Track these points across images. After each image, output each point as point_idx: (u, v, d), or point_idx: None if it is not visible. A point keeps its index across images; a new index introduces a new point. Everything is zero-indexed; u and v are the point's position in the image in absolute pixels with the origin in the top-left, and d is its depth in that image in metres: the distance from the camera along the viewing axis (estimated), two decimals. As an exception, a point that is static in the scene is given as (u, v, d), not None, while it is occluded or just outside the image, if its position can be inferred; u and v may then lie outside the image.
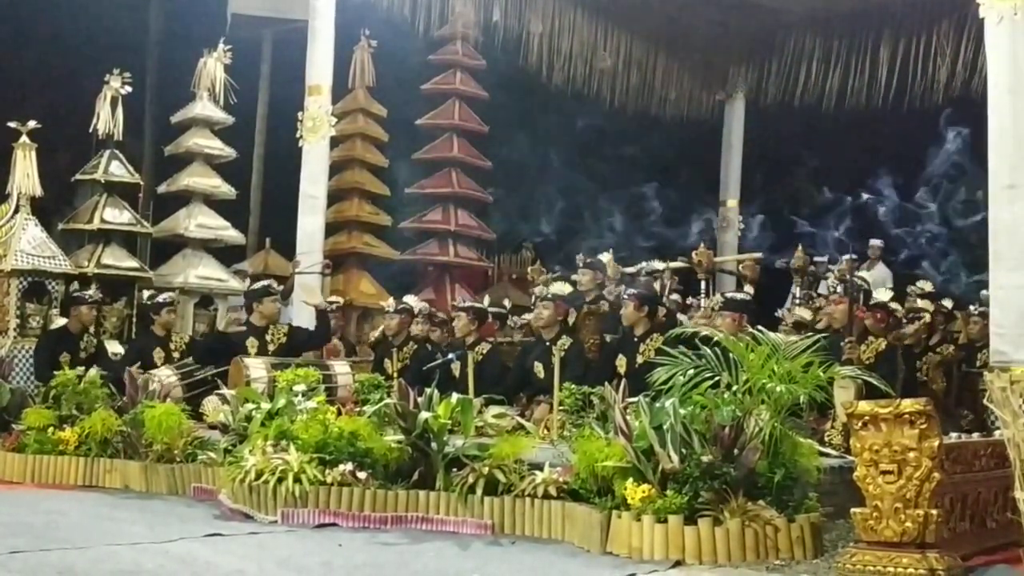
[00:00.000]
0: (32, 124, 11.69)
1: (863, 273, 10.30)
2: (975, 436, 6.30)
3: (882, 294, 9.04)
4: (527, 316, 11.15)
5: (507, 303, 12.56)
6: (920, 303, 10.71)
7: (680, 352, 6.28)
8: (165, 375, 9.45)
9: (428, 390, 7.15)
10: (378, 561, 5.67)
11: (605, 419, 6.66)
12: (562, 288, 9.93)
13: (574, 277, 10.53)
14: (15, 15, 17.57)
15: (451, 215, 16.05)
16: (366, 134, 15.51)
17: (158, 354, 10.19)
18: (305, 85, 12.24)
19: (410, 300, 11.31)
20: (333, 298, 11.95)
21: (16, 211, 11.56)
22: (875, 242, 13.16)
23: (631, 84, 15.63)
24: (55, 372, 9.20)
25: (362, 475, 6.71)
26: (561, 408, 8.09)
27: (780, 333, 7.98)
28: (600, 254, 11.34)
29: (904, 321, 9.89)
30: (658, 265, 11.86)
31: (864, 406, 5.28)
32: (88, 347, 10.47)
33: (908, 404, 5.14)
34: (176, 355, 10.23)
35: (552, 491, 6.25)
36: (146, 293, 11.24)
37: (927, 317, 10.28)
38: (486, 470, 6.47)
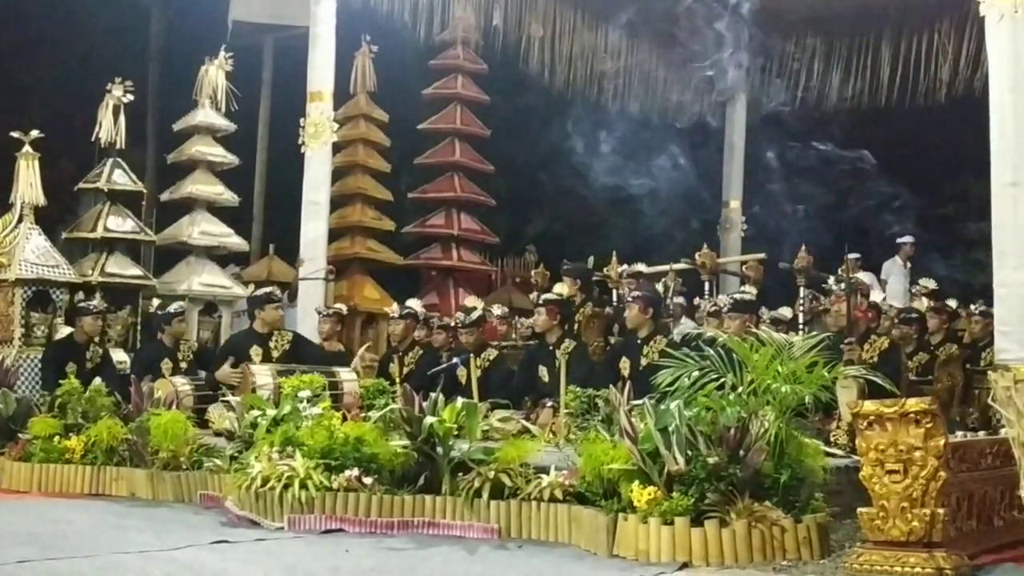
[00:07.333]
0: (35, 133, 11.71)
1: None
2: (981, 434, 6.30)
3: (877, 295, 9.05)
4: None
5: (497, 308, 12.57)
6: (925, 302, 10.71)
7: (684, 354, 6.28)
8: (180, 382, 9.51)
9: (433, 395, 7.16)
10: (385, 566, 5.68)
11: (610, 422, 6.66)
12: (558, 290, 9.98)
13: (557, 286, 10.56)
14: (17, 25, 17.62)
15: (454, 219, 16.07)
16: (368, 139, 15.52)
17: (166, 365, 10.21)
18: (307, 91, 12.28)
19: (414, 304, 11.37)
20: (338, 305, 11.94)
21: (20, 220, 11.57)
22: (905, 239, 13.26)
23: (632, 86, 15.64)
24: (61, 382, 9.22)
25: (368, 480, 6.71)
26: (566, 411, 8.09)
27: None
28: (588, 258, 11.41)
29: (896, 321, 9.91)
30: (642, 268, 11.93)
31: (869, 406, 5.27)
32: (94, 357, 10.48)
33: (913, 403, 5.14)
34: (184, 365, 10.25)
35: (558, 494, 6.25)
36: (155, 302, 11.23)
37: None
38: (492, 474, 6.47)
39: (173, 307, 10.69)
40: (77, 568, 5.41)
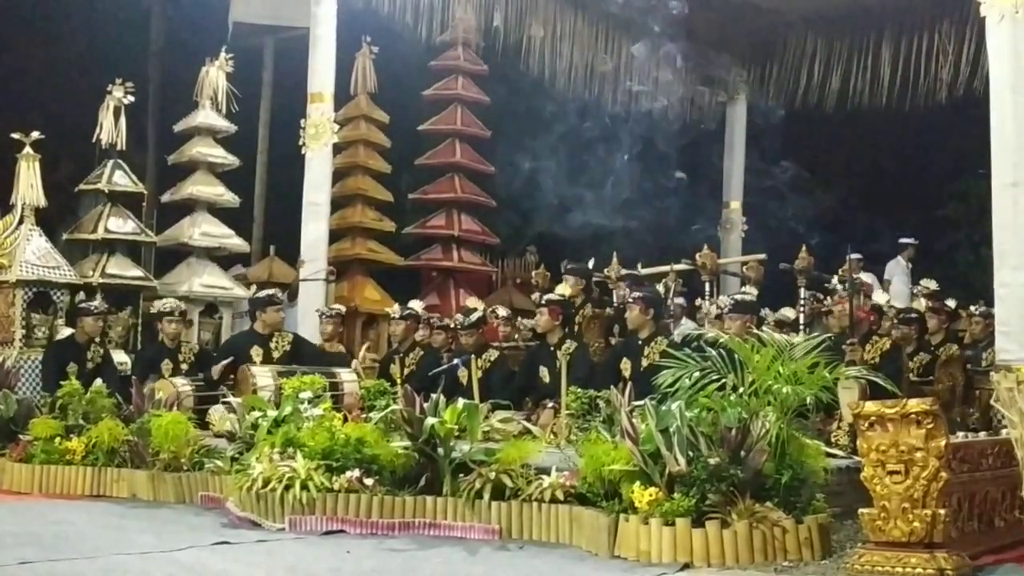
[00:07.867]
0: (35, 135, 11.71)
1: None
2: (982, 435, 6.31)
3: (879, 296, 9.04)
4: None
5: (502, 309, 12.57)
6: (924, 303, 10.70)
7: (685, 355, 6.29)
8: (180, 383, 9.52)
9: (434, 396, 7.16)
10: (386, 567, 5.69)
11: (611, 422, 6.67)
12: (560, 291, 9.99)
13: (559, 287, 10.56)
14: (17, 25, 17.62)
15: (454, 220, 16.06)
16: (369, 140, 15.51)
17: (166, 366, 10.22)
18: (307, 92, 12.29)
19: (415, 305, 11.39)
20: (339, 306, 11.94)
21: (20, 222, 11.56)
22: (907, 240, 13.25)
23: (632, 87, 15.63)
24: (62, 383, 9.22)
25: (369, 481, 6.72)
26: (567, 412, 8.09)
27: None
28: (590, 259, 11.42)
29: (895, 322, 9.91)
30: (642, 270, 11.94)
31: (870, 406, 5.28)
32: (95, 357, 10.48)
33: (914, 404, 5.15)
34: (184, 366, 10.25)
35: (559, 495, 6.26)
36: (157, 304, 11.23)
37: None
38: (493, 475, 6.48)
39: (167, 306, 10.65)
40: (78, 569, 5.42)
